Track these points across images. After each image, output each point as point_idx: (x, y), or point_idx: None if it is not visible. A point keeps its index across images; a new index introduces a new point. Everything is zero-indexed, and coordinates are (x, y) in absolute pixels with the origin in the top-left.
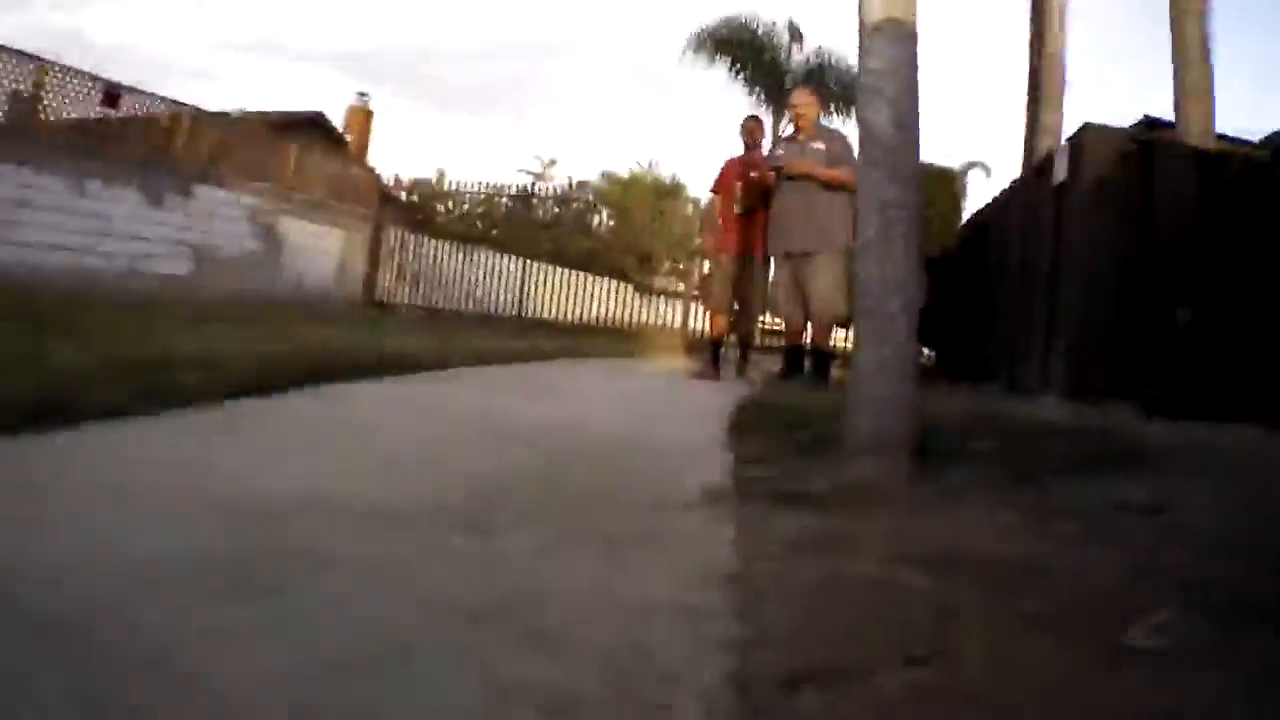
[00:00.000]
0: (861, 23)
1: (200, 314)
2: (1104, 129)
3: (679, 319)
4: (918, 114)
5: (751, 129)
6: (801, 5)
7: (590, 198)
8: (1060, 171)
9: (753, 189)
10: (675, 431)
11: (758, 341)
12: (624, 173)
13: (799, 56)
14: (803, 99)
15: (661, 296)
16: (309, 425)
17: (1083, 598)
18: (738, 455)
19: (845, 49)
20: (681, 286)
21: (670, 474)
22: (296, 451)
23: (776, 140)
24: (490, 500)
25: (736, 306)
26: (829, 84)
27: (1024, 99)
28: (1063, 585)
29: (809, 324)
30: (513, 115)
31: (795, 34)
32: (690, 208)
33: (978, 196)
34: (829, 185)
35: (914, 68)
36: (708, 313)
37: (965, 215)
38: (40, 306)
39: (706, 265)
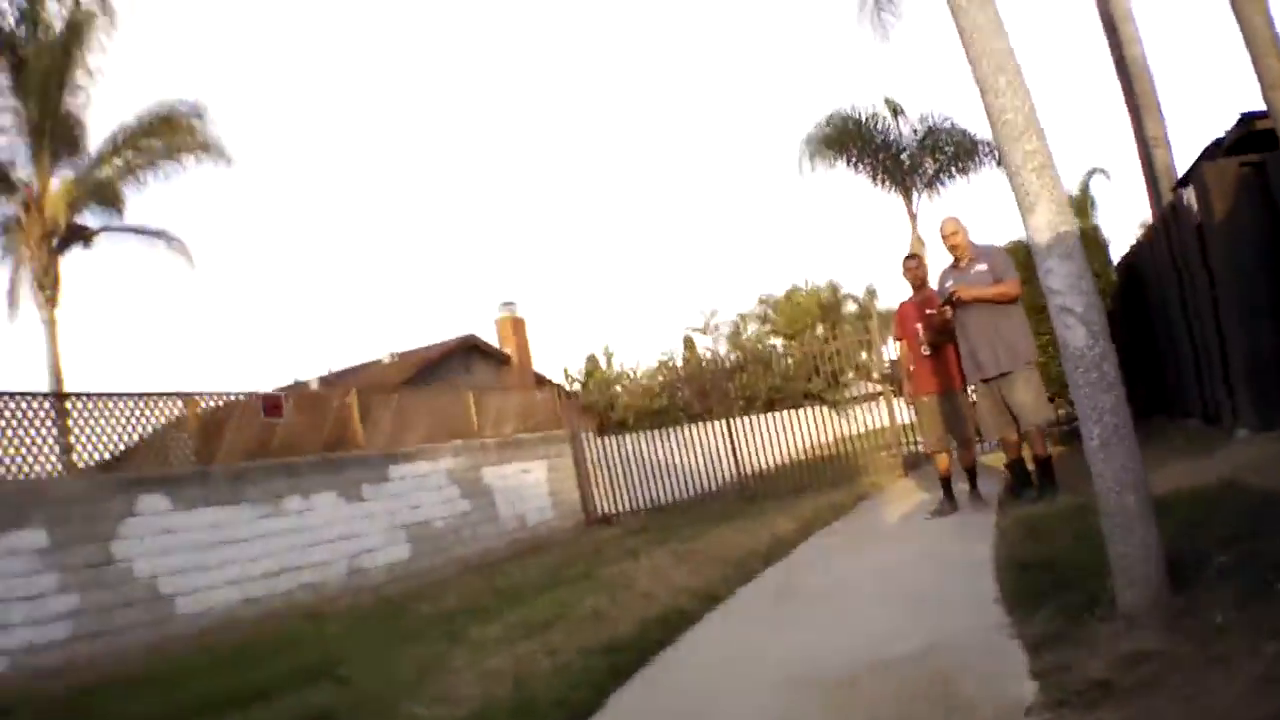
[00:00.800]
0: (1033, 244)
1: (448, 608)
2: (1218, 164)
3: (884, 418)
4: (1104, 317)
5: (913, 269)
6: (893, 77)
7: (757, 337)
8: (1194, 211)
9: (934, 327)
10: (958, 622)
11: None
12: (780, 293)
13: (906, 129)
14: (950, 228)
15: (859, 406)
16: None
17: None
18: (1025, 641)
19: (945, 108)
20: (874, 387)
21: (983, 684)
22: None
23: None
24: None
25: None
26: (942, 148)
27: (1111, 92)
28: None
29: (1021, 437)
30: (654, 271)
31: (896, 109)
32: (853, 305)
33: (1104, 204)
34: (1002, 301)
35: (1089, 275)
36: (928, 454)
37: (1099, 230)
38: (299, 661)
39: (894, 351)
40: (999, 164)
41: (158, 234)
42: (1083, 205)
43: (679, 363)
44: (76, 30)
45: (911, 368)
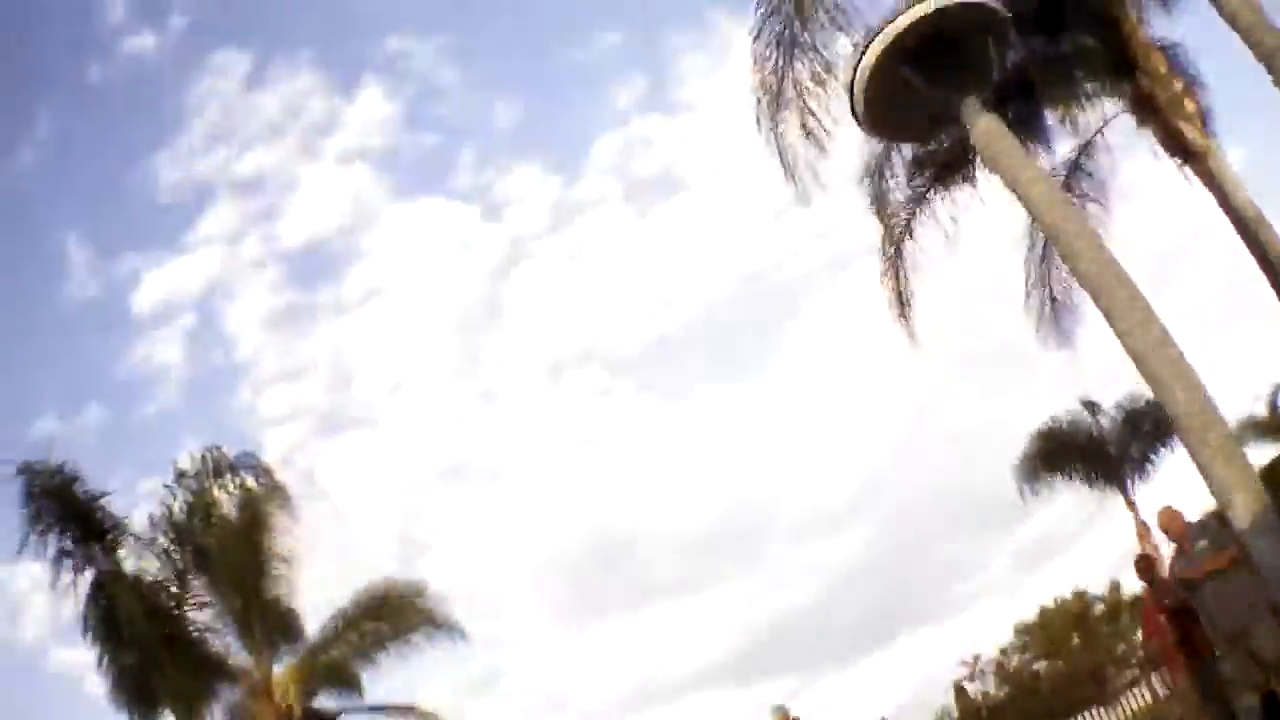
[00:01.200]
0: (1236, 528)
1: None
2: None
3: (1146, 697)
4: None
5: (1145, 569)
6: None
7: (1021, 665)
8: None
9: (1176, 617)
10: None
11: None
12: (1032, 616)
13: (1108, 423)
14: (1166, 518)
15: (1123, 696)
16: None
17: None
18: None
19: (1139, 387)
20: (1133, 674)
21: None
22: None
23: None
24: None
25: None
26: (1144, 427)
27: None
28: None
29: (1267, 674)
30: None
31: (1093, 409)
32: (1100, 606)
33: None
34: (1226, 567)
35: None
36: None
37: None
38: None
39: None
40: None
41: (406, 710)
42: (1276, 426)
43: (955, 715)
44: (255, 518)
45: (1164, 654)
